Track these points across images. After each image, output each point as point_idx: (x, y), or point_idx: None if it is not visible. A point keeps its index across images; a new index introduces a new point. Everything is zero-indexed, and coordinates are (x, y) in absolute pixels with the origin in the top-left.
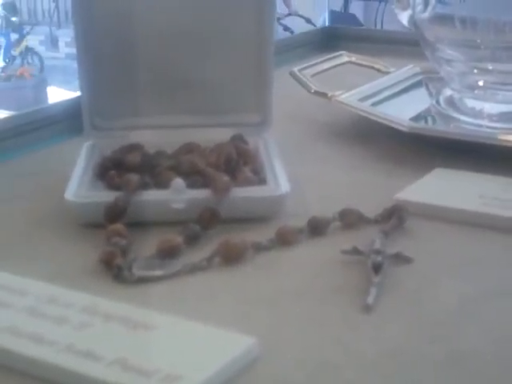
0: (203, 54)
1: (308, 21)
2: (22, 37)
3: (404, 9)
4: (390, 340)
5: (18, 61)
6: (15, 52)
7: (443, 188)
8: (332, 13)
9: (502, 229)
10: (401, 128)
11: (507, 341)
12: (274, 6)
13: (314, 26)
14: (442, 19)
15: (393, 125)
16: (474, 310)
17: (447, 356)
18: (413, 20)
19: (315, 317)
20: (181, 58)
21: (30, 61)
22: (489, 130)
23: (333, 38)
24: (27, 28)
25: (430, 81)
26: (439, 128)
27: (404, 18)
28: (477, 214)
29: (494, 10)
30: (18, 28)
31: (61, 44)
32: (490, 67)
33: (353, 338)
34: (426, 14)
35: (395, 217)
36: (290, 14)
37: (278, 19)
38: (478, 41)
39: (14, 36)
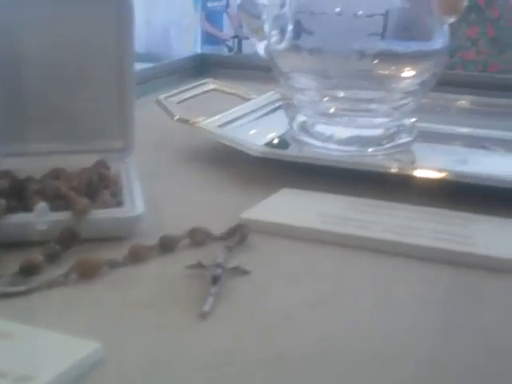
0: (70, 85)
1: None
2: None
3: (260, 39)
4: (223, 342)
5: None
6: None
7: (287, 207)
8: None
9: (339, 244)
10: (251, 152)
11: (325, 342)
12: (133, 40)
13: None
14: (294, 50)
15: (244, 149)
16: (299, 316)
17: (272, 356)
18: (268, 50)
19: (157, 324)
20: (49, 88)
21: None
22: (337, 153)
23: (205, 64)
24: None
25: (288, 106)
26: (287, 152)
27: (260, 48)
28: (314, 230)
29: (342, 41)
30: None
31: None
32: (341, 95)
33: (189, 340)
34: (281, 45)
35: (238, 234)
36: (236, 36)
37: (224, 41)
38: (328, 70)
39: None
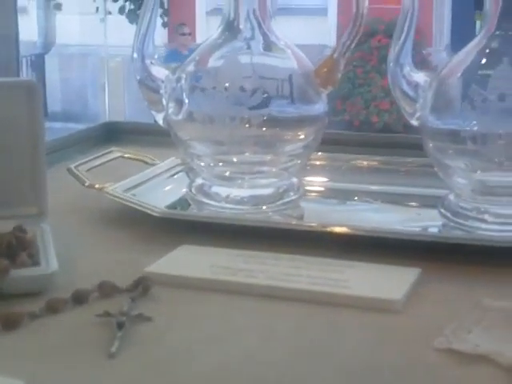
0: None
1: None
2: None
3: (159, 111)
4: (129, 377)
5: None
6: None
7: (184, 261)
8: None
9: (229, 291)
10: (153, 214)
11: (219, 371)
12: (42, 116)
13: None
14: (190, 120)
15: (147, 211)
16: (195, 352)
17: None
18: (167, 120)
19: (72, 364)
20: None
21: None
22: (233, 212)
23: (114, 132)
24: None
25: (189, 170)
26: (186, 213)
27: (160, 118)
28: (207, 280)
29: (231, 111)
30: None
31: None
32: (234, 159)
33: (99, 377)
34: (179, 117)
35: (141, 286)
36: None
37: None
38: (221, 137)
39: None
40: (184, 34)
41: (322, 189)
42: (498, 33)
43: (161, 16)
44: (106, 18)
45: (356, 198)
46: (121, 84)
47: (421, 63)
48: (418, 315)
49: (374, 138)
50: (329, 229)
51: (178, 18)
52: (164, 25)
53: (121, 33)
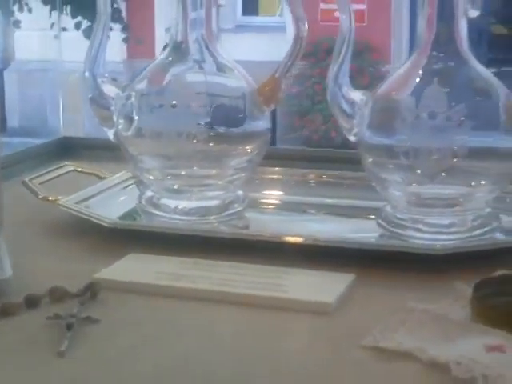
0: None
1: None
2: None
3: (110, 127)
4: (77, 374)
5: None
6: None
7: (132, 268)
8: None
9: (172, 296)
10: (105, 224)
11: (162, 368)
12: None
13: None
14: (139, 135)
15: (98, 222)
16: (140, 351)
17: (119, 381)
18: (117, 136)
19: (25, 364)
20: None
21: None
22: (181, 223)
23: (69, 146)
24: None
25: (139, 183)
26: (135, 223)
27: (111, 134)
28: (152, 285)
29: (179, 127)
30: None
31: None
32: (182, 173)
33: (49, 374)
34: (129, 132)
35: (90, 291)
36: None
37: None
38: (169, 152)
39: None
40: None
41: (270, 201)
42: (429, 54)
43: (121, 31)
44: (59, 34)
45: (301, 210)
46: (79, 99)
47: (379, 80)
48: (349, 317)
49: (322, 153)
50: (270, 238)
51: (138, 34)
52: (124, 40)
53: (79, 48)
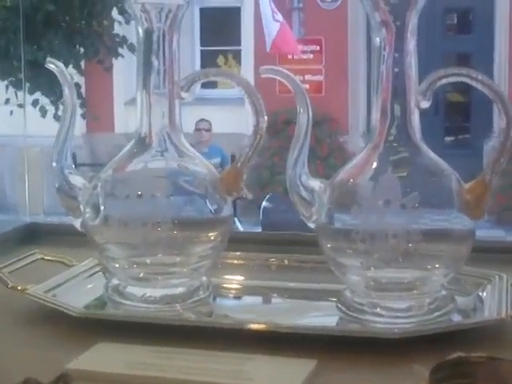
0: None
1: None
2: None
3: (77, 217)
4: None
5: None
6: None
7: (101, 357)
8: None
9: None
10: (72, 313)
11: None
12: None
13: None
14: (106, 225)
15: (65, 311)
16: None
17: None
18: (84, 225)
19: None
20: None
21: None
22: (147, 311)
23: (36, 232)
24: None
25: (105, 271)
26: (102, 312)
27: (77, 223)
28: (122, 375)
29: (144, 216)
30: None
31: None
32: (148, 261)
33: None
34: (95, 222)
35: (62, 382)
36: None
37: None
38: (134, 241)
39: None
40: (199, 130)
41: (234, 286)
42: (384, 144)
43: (80, 107)
44: (13, 111)
45: (264, 294)
46: (39, 174)
47: (337, 150)
48: None
49: (283, 237)
50: (232, 325)
51: (96, 109)
52: (83, 116)
53: (40, 123)
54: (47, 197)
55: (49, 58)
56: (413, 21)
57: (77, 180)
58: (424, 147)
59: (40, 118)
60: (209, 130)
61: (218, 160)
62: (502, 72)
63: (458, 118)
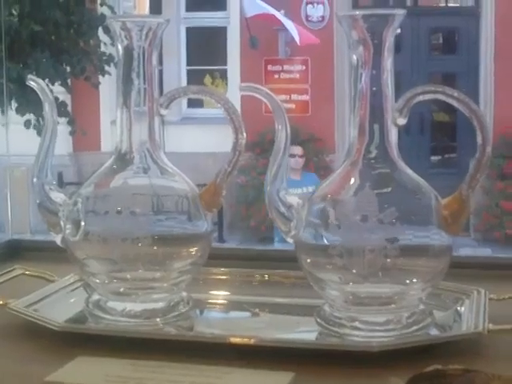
0: None
1: None
2: None
3: (57, 232)
4: None
5: None
6: None
7: (81, 371)
8: None
9: None
10: (53, 327)
11: None
12: None
13: None
14: (86, 240)
15: (47, 325)
16: None
17: None
18: (64, 241)
19: None
20: None
21: None
22: (128, 325)
23: (18, 249)
24: None
25: (86, 286)
26: (82, 326)
27: (58, 239)
28: None
29: (124, 232)
30: None
31: None
32: (128, 276)
33: None
34: (76, 238)
35: None
36: None
37: None
38: (114, 256)
39: None
40: (294, 156)
41: (215, 301)
42: (361, 161)
43: (67, 124)
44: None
45: (245, 309)
46: (25, 193)
47: (324, 169)
48: None
49: (266, 252)
50: (211, 339)
51: (83, 127)
52: (70, 133)
53: (25, 142)
54: (34, 216)
55: (30, 76)
56: (389, 39)
57: (57, 196)
58: (401, 164)
59: (28, 136)
60: (302, 157)
61: (312, 189)
62: (487, 91)
63: (444, 137)
